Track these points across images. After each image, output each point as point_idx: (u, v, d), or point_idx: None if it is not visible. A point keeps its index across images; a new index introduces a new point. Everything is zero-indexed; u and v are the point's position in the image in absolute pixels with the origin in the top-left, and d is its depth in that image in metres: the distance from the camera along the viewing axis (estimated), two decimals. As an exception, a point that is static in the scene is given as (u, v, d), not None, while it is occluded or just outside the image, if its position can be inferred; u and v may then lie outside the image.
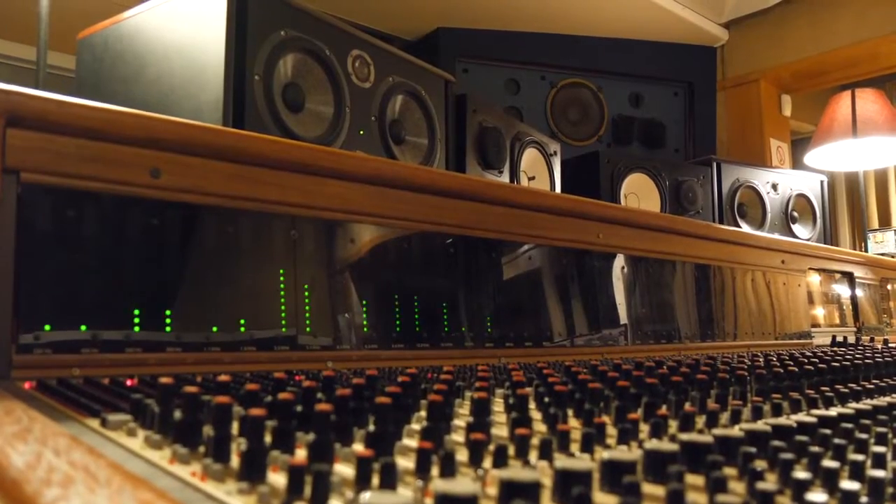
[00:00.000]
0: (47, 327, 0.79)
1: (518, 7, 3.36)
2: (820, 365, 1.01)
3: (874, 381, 1.01)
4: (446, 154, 1.51)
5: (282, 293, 0.97)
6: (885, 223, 4.23)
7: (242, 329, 0.92)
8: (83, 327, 0.81)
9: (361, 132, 1.32)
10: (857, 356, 1.24)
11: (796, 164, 3.88)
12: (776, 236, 2.13)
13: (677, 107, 3.52)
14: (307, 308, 0.99)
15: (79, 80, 1.36)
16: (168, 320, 0.87)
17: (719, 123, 3.60)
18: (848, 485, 0.42)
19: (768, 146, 3.79)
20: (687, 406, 0.73)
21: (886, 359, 1.17)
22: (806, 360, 1.08)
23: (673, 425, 0.66)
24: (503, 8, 3.35)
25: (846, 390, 0.88)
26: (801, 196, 2.45)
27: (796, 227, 2.41)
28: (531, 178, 1.84)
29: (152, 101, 1.20)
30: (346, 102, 1.29)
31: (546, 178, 1.91)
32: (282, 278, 0.97)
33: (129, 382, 0.78)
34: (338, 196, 1.04)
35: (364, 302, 1.07)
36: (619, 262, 1.45)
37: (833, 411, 0.68)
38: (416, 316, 1.12)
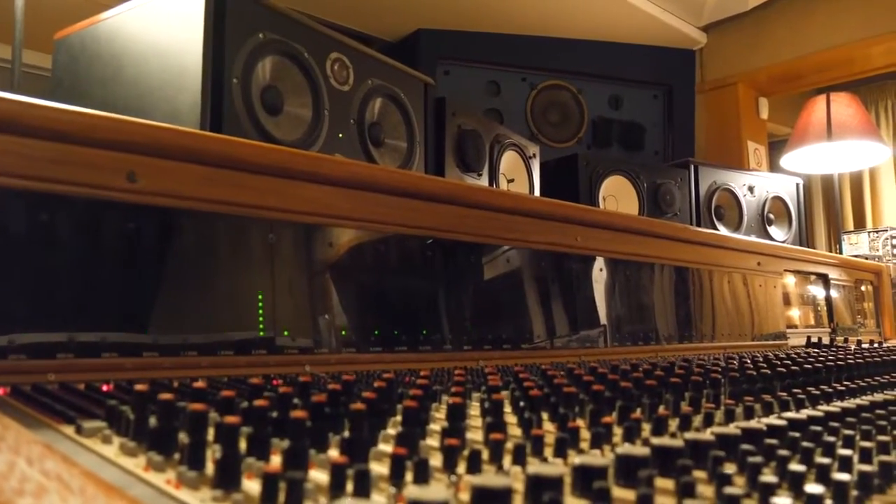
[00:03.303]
0: (22, 332, 0.78)
1: (498, 9, 3.37)
2: (793, 367, 1.03)
3: (845, 382, 1.02)
4: (425, 157, 1.51)
5: (259, 297, 0.97)
6: (860, 225, 4.29)
7: (220, 333, 0.92)
8: (58, 332, 0.80)
9: (340, 135, 1.32)
10: (830, 358, 1.26)
11: (773, 166, 3.92)
12: (752, 238, 2.16)
13: (656, 109, 3.55)
14: (285, 312, 0.99)
15: (55, 80, 1.35)
16: (145, 325, 0.87)
17: (698, 126, 3.64)
18: (813, 488, 0.43)
19: (746, 148, 3.83)
20: (661, 409, 0.74)
21: (857, 361, 1.19)
22: (779, 363, 1.10)
23: (646, 428, 0.67)
24: (483, 9, 3.36)
25: (817, 392, 0.89)
26: (777, 199, 2.48)
27: (772, 230, 2.44)
28: (510, 181, 1.85)
29: (130, 104, 1.19)
30: (325, 105, 1.29)
31: (525, 180, 1.92)
32: (259, 282, 0.97)
33: (104, 388, 0.77)
34: (316, 199, 1.04)
35: (342, 305, 1.07)
36: (598, 264, 1.47)
37: (803, 414, 0.70)
38: (395, 319, 1.12)
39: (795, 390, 0.90)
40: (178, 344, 0.88)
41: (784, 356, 1.28)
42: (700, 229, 1.79)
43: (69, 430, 0.57)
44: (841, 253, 3.07)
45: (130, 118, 0.86)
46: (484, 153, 1.73)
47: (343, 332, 1.05)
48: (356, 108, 1.37)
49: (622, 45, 3.59)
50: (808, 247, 2.50)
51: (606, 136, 3.35)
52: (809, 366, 1.07)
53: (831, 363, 1.13)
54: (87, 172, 0.83)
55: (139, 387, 0.56)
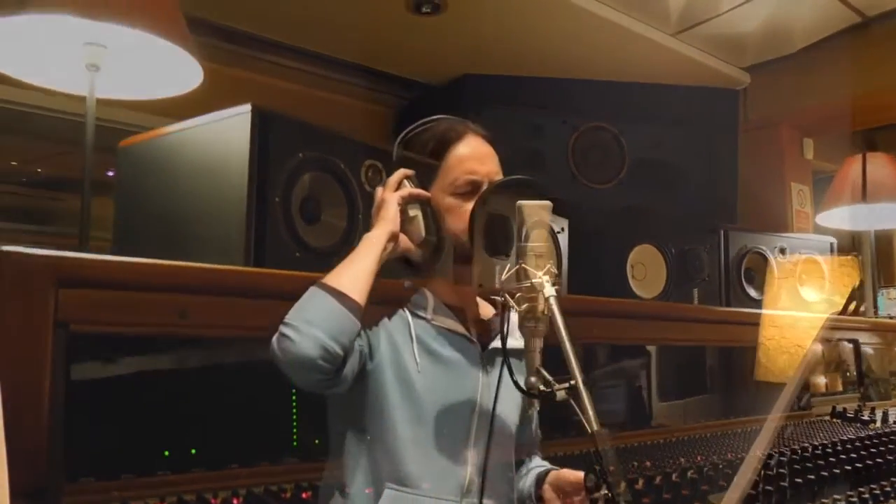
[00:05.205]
0: (91, 458, 0.92)
1: (541, 54, 3.46)
2: (781, 483, 1.10)
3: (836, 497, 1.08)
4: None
5: (294, 411, 1.09)
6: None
7: (258, 446, 1.05)
8: (121, 454, 0.94)
9: (374, 237, 1.43)
10: (833, 451, 1.31)
11: (819, 202, 3.88)
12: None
13: (698, 150, 3.56)
14: (316, 423, 1.11)
15: (119, 184, 1.50)
16: (193, 443, 1.00)
17: (740, 166, 3.64)
18: None
19: (789, 190, 3.82)
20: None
21: (862, 456, 1.25)
22: (773, 471, 1.16)
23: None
24: (527, 54, 3.46)
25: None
26: (810, 259, 2.50)
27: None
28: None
29: (182, 215, 1.33)
30: (360, 210, 1.41)
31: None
32: (294, 399, 1.10)
33: (158, 509, 0.90)
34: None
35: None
36: (614, 351, 1.55)
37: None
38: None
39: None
40: (221, 459, 1.01)
41: (788, 451, 1.34)
42: (717, 308, 1.85)
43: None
44: (876, 308, 3.06)
45: (181, 263, 1.00)
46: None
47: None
48: (389, 209, 1.48)
49: (663, 86, 3.61)
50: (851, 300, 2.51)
51: (647, 177, 3.39)
52: (799, 478, 1.13)
53: (825, 465, 1.18)
54: (144, 314, 0.97)
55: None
